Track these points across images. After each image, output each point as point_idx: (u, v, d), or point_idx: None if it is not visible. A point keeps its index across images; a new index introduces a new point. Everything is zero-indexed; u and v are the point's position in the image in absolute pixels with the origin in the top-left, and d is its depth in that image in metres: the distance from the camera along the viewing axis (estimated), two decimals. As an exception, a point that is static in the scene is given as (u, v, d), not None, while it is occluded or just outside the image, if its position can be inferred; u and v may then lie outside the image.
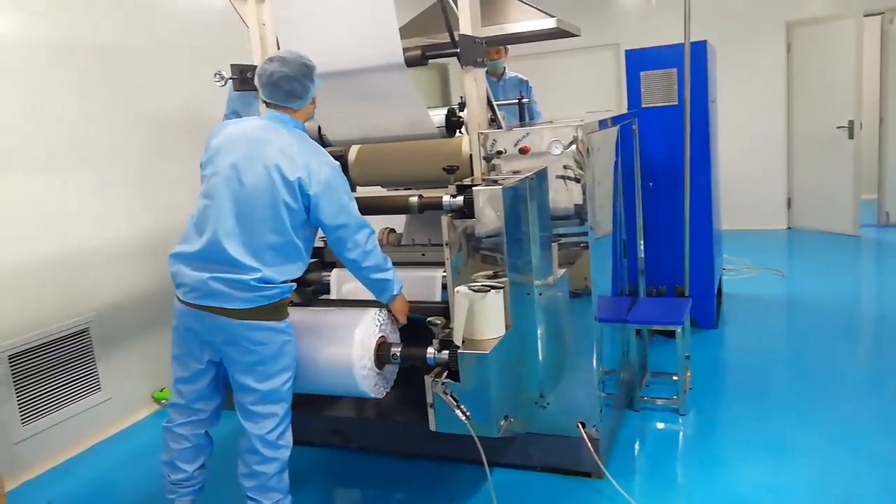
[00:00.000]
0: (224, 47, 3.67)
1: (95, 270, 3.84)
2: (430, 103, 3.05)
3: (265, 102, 2.57)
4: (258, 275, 2.40)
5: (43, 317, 3.59)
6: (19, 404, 3.47)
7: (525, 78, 5.28)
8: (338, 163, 2.55)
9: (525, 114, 4.16)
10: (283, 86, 2.50)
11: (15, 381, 3.45)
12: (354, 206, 2.52)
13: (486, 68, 2.91)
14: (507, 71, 5.19)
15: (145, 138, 4.04)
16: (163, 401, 4.07)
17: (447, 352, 2.34)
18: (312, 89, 2.56)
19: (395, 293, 2.62)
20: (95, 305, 3.85)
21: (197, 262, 2.45)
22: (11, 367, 3.43)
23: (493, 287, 2.37)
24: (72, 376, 3.73)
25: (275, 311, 2.46)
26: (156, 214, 4.10)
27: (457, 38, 2.72)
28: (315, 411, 3.45)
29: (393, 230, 3.61)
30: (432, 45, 2.84)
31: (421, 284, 2.96)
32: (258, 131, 2.50)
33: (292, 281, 2.51)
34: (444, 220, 2.48)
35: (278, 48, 3.04)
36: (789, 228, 7.86)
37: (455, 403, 2.28)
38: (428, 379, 2.32)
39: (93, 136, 3.83)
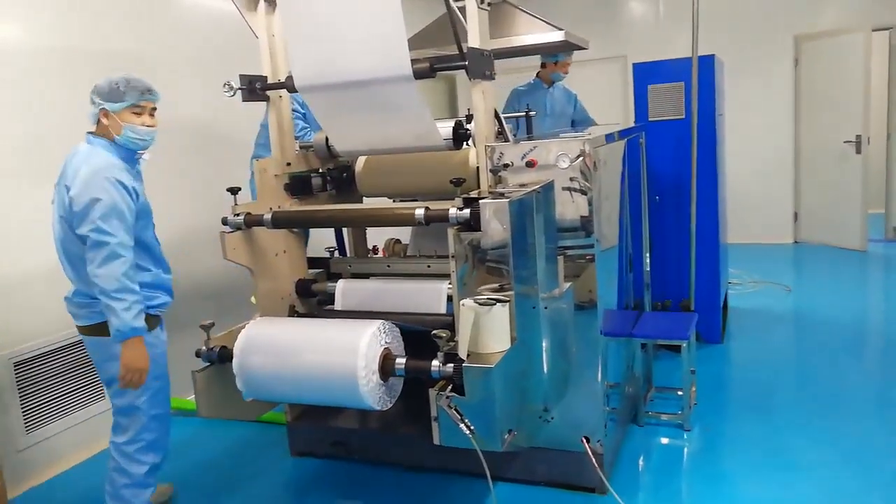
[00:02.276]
0: (235, 57, 3.70)
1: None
2: (438, 115, 3.06)
3: None
4: (74, 289, 2.73)
5: (49, 324, 3.59)
6: (24, 412, 3.48)
7: (574, 91, 5.38)
8: (112, 172, 2.61)
9: (532, 127, 4.16)
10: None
11: (20, 389, 3.46)
12: (113, 223, 2.52)
13: (493, 79, 2.91)
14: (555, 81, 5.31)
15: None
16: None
17: (452, 365, 2.33)
18: (93, 107, 2.72)
19: (121, 331, 2.50)
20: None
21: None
22: (17, 374, 3.44)
23: (498, 300, 2.36)
24: (77, 384, 3.73)
25: None
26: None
27: (465, 51, 2.72)
28: (318, 422, 3.45)
29: (399, 241, 3.61)
30: (441, 57, 2.85)
31: (426, 296, 2.96)
32: (69, 157, 2.71)
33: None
34: (451, 232, 2.47)
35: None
36: (796, 243, 7.84)
37: (459, 417, 2.26)
38: (432, 392, 2.30)
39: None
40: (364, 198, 3.58)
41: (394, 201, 3.59)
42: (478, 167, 2.96)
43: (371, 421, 3.32)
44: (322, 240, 3.99)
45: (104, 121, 2.71)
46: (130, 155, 2.79)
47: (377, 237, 3.73)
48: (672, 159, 4.45)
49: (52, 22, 3.66)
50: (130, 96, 2.70)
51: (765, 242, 7.75)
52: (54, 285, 3.60)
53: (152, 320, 2.75)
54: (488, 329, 2.35)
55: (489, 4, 2.87)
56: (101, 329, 2.67)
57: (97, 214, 2.51)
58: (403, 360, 2.56)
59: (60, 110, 3.65)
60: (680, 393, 3.71)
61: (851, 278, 6.47)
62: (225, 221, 2.93)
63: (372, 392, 2.50)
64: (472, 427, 2.26)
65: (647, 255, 4.18)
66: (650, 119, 4.50)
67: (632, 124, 4.17)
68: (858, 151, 7.06)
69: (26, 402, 3.49)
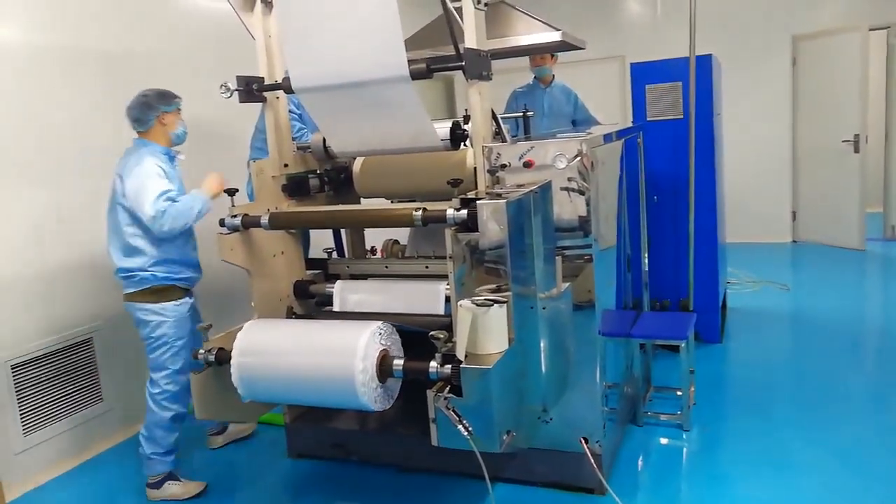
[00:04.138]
0: (232, 58, 3.69)
1: (100, 280, 3.82)
2: (435, 115, 3.05)
3: None
4: (116, 266, 3.17)
5: (47, 327, 3.59)
6: (21, 414, 3.47)
7: (574, 90, 5.37)
8: (156, 160, 3.12)
9: (529, 127, 4.15)
10: (129, 116, 3.21)
11: (17, 391, 3.45)
12: (160, 184, 3.03)
13: (490, 80, 2.90)
14: (554, 78, 5.28)
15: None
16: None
17: (450, 366, 2.33)
18: (152, 113, 3.18)
19: (207, 200, 3.14)
20: (100, 315, 3.85)
21: None
22: (14, 376, 3.43)
23: (496, 301, 2.36)
24: (74, 386, 3.73)
25: (150, 295, 3.17)
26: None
27: (462, 51, 2.72)
28: (317, 424, 3.45)
29: (397, 241, 3.61)
30: (438, 57, 2.84)
31: (424, 297, 2.96)
32: (123, 155, 3.21)
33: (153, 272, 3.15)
34: (448, 233, 2.47)
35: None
36: (794, 242, 7.84)
37: (457, 418, 2.26)
38: (430, 393, 2.30)
39: (97, 145, 3.81)
40: (362, 199, 3.57)
41: (391, 202, 3.59)
42: (475, 168, 2.95)
43: (369, 422, 3.32)
44: (320, 241, 3.98)
45: (162, 123, 3.20)
46: (168, 153, 3.25)
47: (375, 238, 3.72)
48: (670, 159, 4.44)
49: (51, 21, 3.65)
50: (176, 101, 3.24)
51: (763, 242, 7.74)
52: (51, 288, 3.61)
53: (179, 291, 3.24)
54: (486, 330, 2.34)
55: (486, 5, 2.86)
56: (133, 297, 3.19)
57: (150, 196, 3.00)
58: (401, 362, 2.55)
59: (59, 108, 3.65)
60: (679, 393, 3.71)
61: (849, 277, 6.46)
62: (222, 223, 2.93)
63: (370, 393, 2.50)
64: (470, 428, 2.25)
65: (646, 254, 4.18)
66: (648, 119, 4.50)
67: (630, 124, 4.17)
68: (856, 151, 7.05)
69: (24, 405, 3.48)
